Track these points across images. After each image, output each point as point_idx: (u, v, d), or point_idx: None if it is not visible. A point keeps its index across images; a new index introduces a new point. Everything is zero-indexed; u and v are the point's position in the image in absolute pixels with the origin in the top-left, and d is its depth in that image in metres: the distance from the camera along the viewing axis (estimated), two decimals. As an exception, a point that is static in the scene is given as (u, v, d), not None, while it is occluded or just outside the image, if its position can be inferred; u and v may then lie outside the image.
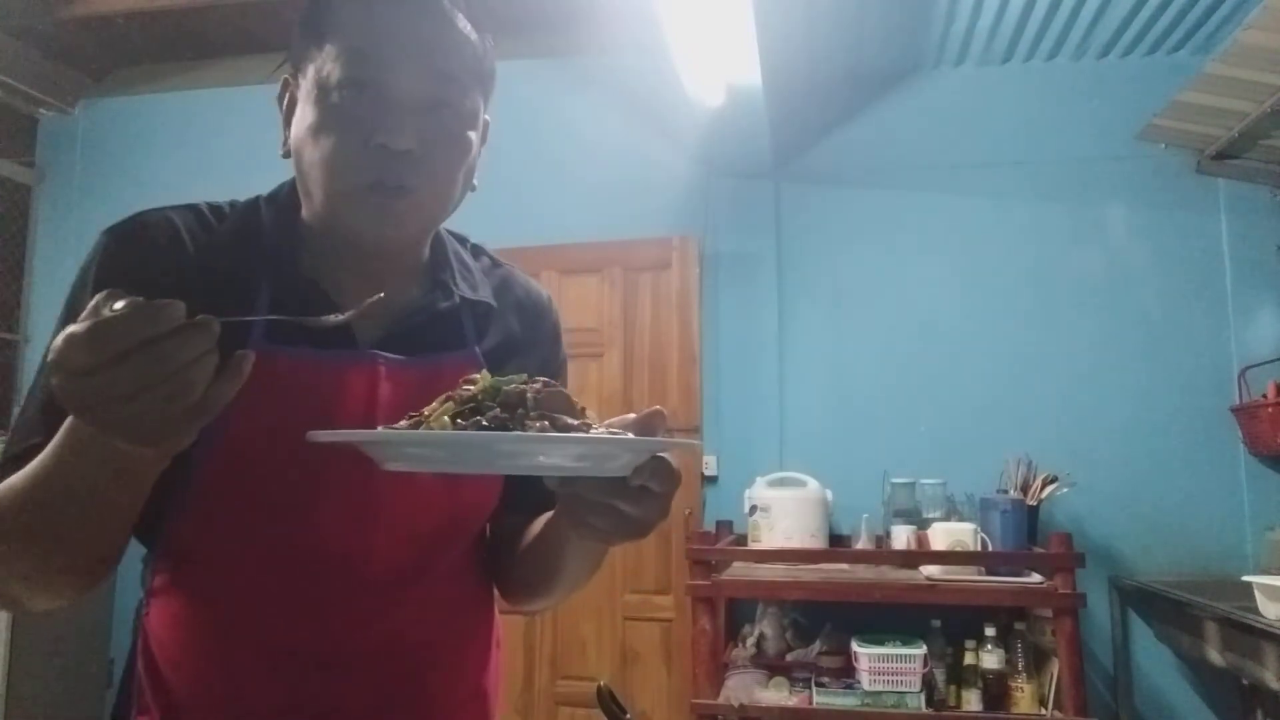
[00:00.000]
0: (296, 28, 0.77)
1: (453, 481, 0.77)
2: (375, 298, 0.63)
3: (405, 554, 0.76)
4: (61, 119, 3.72)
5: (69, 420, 0.55)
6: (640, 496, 0.60)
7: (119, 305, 0.48)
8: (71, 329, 0.48)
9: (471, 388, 0.63)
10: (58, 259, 3.59)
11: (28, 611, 0.71)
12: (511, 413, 0.59)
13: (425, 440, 0.58)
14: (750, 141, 2.90)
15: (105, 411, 0.49)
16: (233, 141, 3.47)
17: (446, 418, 0.60)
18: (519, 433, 0.58)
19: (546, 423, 0.59)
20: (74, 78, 3.68)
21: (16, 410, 3.68)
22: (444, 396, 0.63)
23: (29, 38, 3.40)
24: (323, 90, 0.72)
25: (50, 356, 0.48)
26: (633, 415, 0.61)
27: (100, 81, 3.75)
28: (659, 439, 0.59)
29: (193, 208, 0.78)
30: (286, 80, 0.79)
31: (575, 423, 0.60)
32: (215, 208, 0.79)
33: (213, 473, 0.70)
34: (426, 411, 0.62)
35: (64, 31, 3.38)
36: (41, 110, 3.69)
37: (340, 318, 0.62)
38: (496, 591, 0.91)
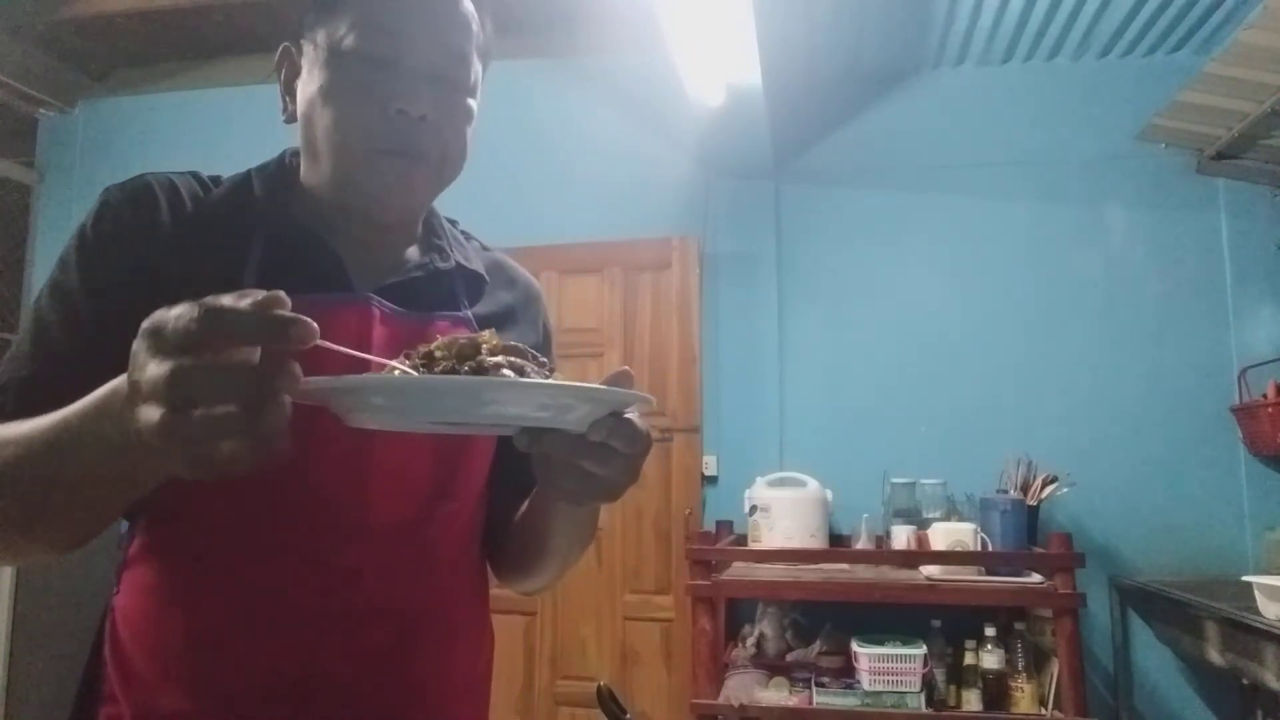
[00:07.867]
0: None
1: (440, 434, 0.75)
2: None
3: (402, 505, 0.75)
4: (61, 119, 3.72)
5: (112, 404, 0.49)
6: (605, 455, 0.59)
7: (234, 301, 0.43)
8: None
9: (426, 345, 0.59)
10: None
11: (21, 562, 0.67)
12: (464, 364, 0.56)
13: (353, 386, 0.54)
14: (750, 141, 2.90)
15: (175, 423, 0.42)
16: (232, 141, 3.46)
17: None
18: (461, 377, 0.55)
19: (508, 371, 0.56)
20: (74, 78, 3.68)
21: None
22: (402, 354, 0.59)
23: (29, 38, 3.39)
24: (336, 55, 0.74)
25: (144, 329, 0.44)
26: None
27: (100, 81, 3.74)
28: (597, 386, 0.56)
29: (192, 173, 0.81)
30: (287, 47, 0.81)
31: (533, 369, 0.58)
32: (213, 176, 0.82)
33: None
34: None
35: (64, 31, 3.38)
36: (41, 110, 3.69)
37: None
38: (492, 573, 0.90)
